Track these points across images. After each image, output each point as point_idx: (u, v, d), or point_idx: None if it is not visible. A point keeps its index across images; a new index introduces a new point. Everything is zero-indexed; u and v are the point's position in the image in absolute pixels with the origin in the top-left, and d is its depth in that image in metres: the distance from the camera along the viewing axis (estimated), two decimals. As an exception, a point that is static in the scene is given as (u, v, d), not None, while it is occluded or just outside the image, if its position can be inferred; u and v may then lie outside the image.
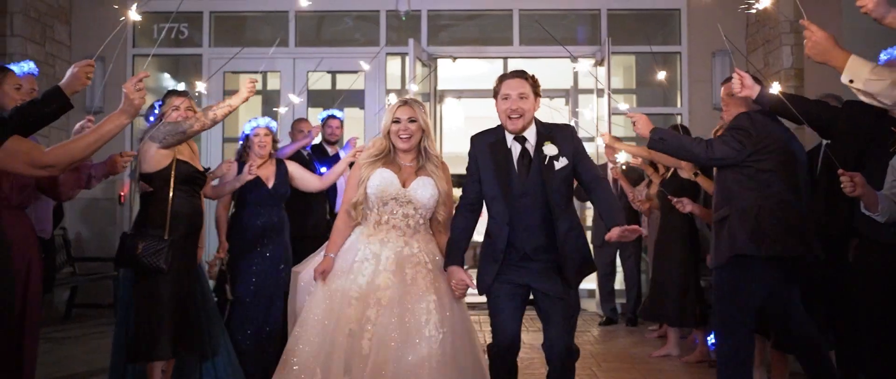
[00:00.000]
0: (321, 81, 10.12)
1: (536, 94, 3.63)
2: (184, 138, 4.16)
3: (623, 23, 9.04)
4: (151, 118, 4.65)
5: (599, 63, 8.43)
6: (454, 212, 3.77)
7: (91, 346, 6.48)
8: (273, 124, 5.29)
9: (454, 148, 11.31)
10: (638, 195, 6.48)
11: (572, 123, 8.70)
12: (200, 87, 4.42)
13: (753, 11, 3.48)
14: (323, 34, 9.51)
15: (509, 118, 3.57)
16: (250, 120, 5.29)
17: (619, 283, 8.29)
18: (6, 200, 3.24)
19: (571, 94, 9.69)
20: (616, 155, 5.81)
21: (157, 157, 4.15)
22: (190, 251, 4.28)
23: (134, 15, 3.20)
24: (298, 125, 6.63)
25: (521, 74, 3.64)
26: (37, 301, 3.48)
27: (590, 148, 7.53)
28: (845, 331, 4.38)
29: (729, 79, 4.32)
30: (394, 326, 3.46)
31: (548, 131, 3.62)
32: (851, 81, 2.79)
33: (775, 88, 3.64)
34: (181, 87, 9.70)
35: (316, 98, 9.71)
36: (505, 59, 9.04)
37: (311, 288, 3.73)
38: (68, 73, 3.14)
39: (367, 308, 3.52)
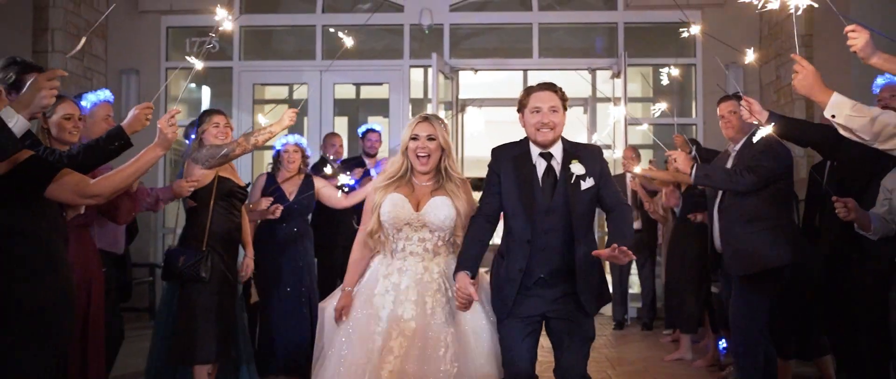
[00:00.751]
0: (346, 91, 10.45)
1: (564, 107, 3.49)
2: (225, 161, 4.45)
3: (640, 35, 9.28)
4: (193, 135, 4.96)
5: (616, 75, 8.68)
6: (469, 222, 3.54)
7: (129, 349, 6.74)
8: (302, 141, 5.59)
9: (475, 152, 11.61)
10: (656, 206, 6.76)
11: (593, 139, 9.05)
12: (262, 120, 4.72)
13: (751, 61, 3.72)
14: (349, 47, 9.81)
15: (539, 131, 3.41)
16: (282, 136, 5.59)
17: (634, 286, 8.54)
18: (75, 220, 3.55)
19: (589, 103, 9.93)
20: (634, 168, 6.08)
21: (198, 176, 4.46)
22: (229, 262, 4.56)
23: (197, 63, 3.51)
24: (330, 139, 6.93)
25: (551, 87, 3.49)
26: (99, 315, 3.77)
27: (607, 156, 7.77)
28: (846, 338, 4.62)
29: (726, 97, 4.58)
30: (415, 358, 3.28)
31: (574, 150, 3.48)
32: (833, 116, 3.02)
33: (762, 132, 3.84)
34: (206, 92, 10.10)
35: (341, 107, 10.04)
36: (524, 71, 9.32)
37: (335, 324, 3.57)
38: (130, 114, 3.43)
39: (389, 339, 3.34)
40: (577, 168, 3.39)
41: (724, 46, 8.26)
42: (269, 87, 10.35)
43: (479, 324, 3.44)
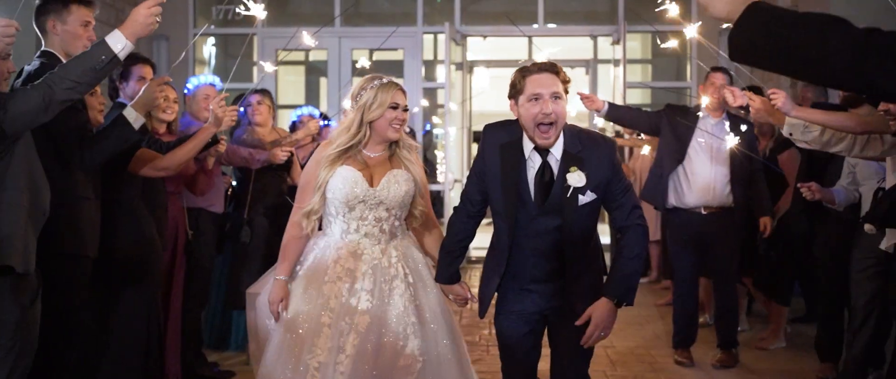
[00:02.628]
0: (360, 53, 11.08)
1: (566, 91, 2.89)
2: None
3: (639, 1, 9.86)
4: (242, 108, 5.62)
5: (616, 42, 9.28)
6: (454, 210, 3.16)
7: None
8: (316, 112, 6.24)
9: (481, 107, 12.29)
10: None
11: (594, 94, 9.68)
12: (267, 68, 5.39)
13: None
14: (364, 12, 10.42)
15: (539, 127, 2.82)
16: (299, 107, 6.28)
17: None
18: (168, 187, 4.29)
19: (591, 65, 10.56)
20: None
21: (241, 153, 5.09)
22: (276, 222, 5.22)
23: (269, 66, 4.13)
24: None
25: (551, 68, 2.87)
26: (182, 262, 4.51)
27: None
28: (813, 286, 5.37)
29: (719, 68, 5.22)
30: (371, 355, 2.95)
31: (577, 148, 2.88)
32: (791, 134, 3.77)
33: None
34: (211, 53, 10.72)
35: (354, 69, 10.66)
36: (530, 37, 9.92)
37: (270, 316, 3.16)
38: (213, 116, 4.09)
39: (340, 335, 2.97)
40: (575, 179, 2.84)
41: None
42: (287, 51, 10.93)
43: (439, 306, 3.17)
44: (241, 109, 5.38)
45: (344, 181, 3.09)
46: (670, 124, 5.19)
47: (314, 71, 11.19)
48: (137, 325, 3.86)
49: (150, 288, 3.94)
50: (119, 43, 2.89)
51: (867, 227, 4.11)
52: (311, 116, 6.10)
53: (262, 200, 5.10)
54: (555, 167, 2.89)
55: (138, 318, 3.86)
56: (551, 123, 2.81)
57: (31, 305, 2.76)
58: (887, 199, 3.84)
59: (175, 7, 9.71)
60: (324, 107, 9.90)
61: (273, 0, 10.10)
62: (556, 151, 2.89)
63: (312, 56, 11.34)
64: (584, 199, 2.86)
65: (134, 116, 3.34)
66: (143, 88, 3.46)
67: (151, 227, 3.93)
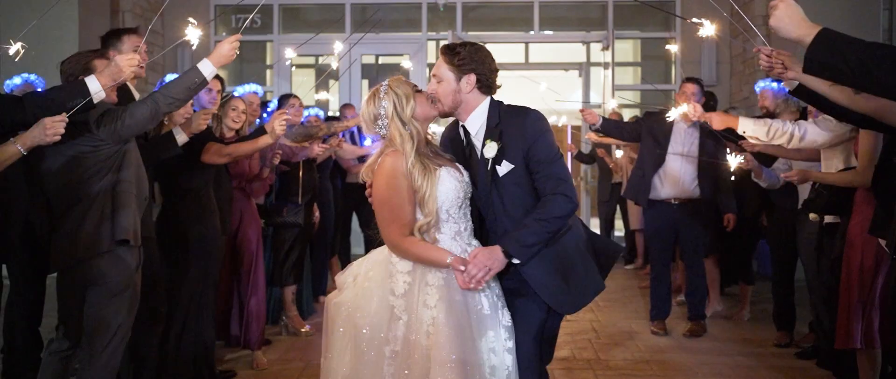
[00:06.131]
0: (367, 57, 11.84)
1: (463, 71, 2.90)
2: (308, 138, 5.81)
3: (627, 8, 10.62)
4: (266, 116, 6.36)
5: (606, 48, 10.05)
6: None
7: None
8: (321, 113, 6.97)
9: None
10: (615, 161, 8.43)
11: (581, 98, 10.45)
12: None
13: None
14: (371, 18, 11.16)
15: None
16: (306, 109, 6.89)
17: (619, 229, 10.06)
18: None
19: (584, 68, 11.31)
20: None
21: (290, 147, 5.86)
22: (308, 210, 6.01)
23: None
24: (344, 111, 8.01)
25: (441, 51, 2.98)
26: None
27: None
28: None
29: (691, 79, 5.99)
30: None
31: (495, 121, 2.91)
32: (744, 131, 4.51)
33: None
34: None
35: (363, 71, 11.43)
36: (526, 43, 10.71)
37: (342, 323, 2.90)
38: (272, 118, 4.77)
39: (493, 353, 2.80)
40: (488, 150, 2.88)
41: (701, 20, 9.54)
42: (299, 56, 11.69)
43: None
44: (288, 111, 6.14)
45: (458, 182, 2.87)
46: (649, 130, 5.97)
47: (324, 73, 11.93)
48: (200, 298, 4.55)
49: (210, 269, 4.57)
50: (207, 69, 3.61)
51: (812, 215, 4.90)
52: (318, 117, 6.85)
53: (305, 191, 5.85)
54: (477, 146, 2.95)
55: (196, 291, 4.55)
56: (436, 101, 2.94)
57: (136, 271, 3.51)
58: (825, 192, 4.63)
59: (198, 16, 10.41)
60: (333, 106, 10.67)
61: (286, 8, 10.89)
62: (473, 129, 2.96)
63: (322, 58, 12.10)
64: (502, 169, 2.88)
65: (181, 137, 4.08)
66: (194, 116, 4.14)
67: (215, 215, 4.55)
